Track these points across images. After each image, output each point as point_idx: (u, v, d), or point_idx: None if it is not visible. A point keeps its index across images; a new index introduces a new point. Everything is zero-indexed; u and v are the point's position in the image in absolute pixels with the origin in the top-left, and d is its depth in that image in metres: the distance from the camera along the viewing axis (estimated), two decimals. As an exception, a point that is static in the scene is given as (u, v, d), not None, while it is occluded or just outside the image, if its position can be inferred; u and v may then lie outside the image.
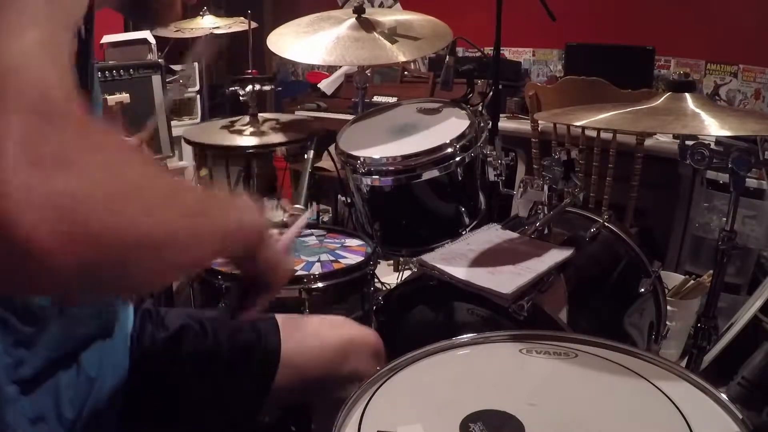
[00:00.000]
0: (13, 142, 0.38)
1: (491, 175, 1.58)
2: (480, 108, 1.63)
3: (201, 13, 2.93)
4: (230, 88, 1.81)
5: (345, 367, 0.99)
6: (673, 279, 2.10)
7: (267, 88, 1.83)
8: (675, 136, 2.33)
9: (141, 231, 0.44)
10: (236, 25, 2.99)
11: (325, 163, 2.81)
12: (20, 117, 0.39)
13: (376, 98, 3.23)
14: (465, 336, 0.97)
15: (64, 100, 0.42)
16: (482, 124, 1.56)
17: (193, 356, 0.92)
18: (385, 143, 1.55)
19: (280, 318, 1.01)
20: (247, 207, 0.64)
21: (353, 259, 1.35)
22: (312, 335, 1.01)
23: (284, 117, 1.96)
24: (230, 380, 0.93)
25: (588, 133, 2.19)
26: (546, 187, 1.37)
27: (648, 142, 2.23)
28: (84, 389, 0.78)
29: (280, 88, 2.08)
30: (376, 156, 1.47)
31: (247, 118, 1.78)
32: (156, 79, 2.81)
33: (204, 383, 0.92)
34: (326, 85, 3.56)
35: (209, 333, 0.95)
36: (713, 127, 1.04)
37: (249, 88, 1.74)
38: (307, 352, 0.98)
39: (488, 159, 1.57)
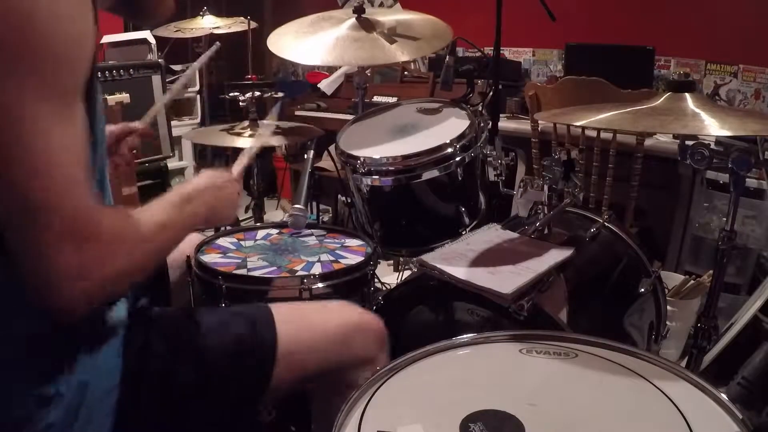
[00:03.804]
0: (63, 267, 0.64)
1: (491, 175, 1.58)
2: (480, 108, 1.63)
3: (201, 13, 2.93)
4: (230, 94, 1.82)
5: (347, 353, 0.97)
6: (673, 279, 2.09)
7: (267, 95, 1.84)
8: (675, 136, 2.33)
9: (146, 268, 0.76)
10: (236, 25, 3.00)
11: (325, 163, 2.81)
12: (62, 246, 0.63)
13: (376, 98, 3.23)
14: (465, 336, 0.97)
15: (88, 222, 0.65)
16: (482, 124, 1.56)
17: (186, 355, 0.91)
18: (385, 143, 1.55)
19: (275, 307, 0.99)
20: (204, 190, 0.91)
21: (353, 259, 1.35)
22: (310, 323, 0.99)
23: (284, 124, 1.96)
24: (226, 376, 0.92)
25: (588, 133, 2.19)
26: (546, 187, 1.37)
27: (648, 142, 2.23)
28: (77, 393, 0.78)
29: (281, 94, 2.07)
30: (376, 156, 1.47)
31: (246, 123, 1.78)
32: (156, 79, 2.82)
33: (199, 382, 0.90)
34: (326, 85, 3.56)
35: (202, 331, 0.93)
36: (713, 127, 1.03)
37: (249, 94, 1.75)
38: (305, 340, 0.96)
39: (488, 159, 1.57)
